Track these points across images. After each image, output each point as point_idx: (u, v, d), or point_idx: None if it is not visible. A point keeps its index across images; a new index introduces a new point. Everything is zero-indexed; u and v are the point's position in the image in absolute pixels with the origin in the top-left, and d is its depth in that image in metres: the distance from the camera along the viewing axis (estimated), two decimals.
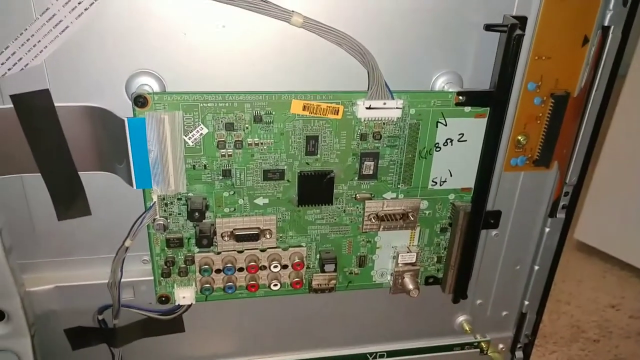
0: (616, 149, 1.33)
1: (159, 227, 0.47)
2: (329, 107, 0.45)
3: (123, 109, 0.43)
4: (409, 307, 0.60)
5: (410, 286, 0.53)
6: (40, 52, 0.41)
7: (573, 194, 0.55)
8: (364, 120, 0.46)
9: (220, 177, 0.46)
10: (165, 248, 0.48)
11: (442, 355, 0.63)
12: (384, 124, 0.46)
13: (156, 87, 0.43)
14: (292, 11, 0.41)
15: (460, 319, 0.62)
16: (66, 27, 0.40)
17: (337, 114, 0.45)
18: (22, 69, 0.41)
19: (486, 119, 0.48)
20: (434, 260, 0.55)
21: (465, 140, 0.49)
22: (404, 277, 0.54)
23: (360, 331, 0.61)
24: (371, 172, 0.48)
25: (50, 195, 0.47)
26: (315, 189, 0.48)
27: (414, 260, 0.53)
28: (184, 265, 0.50)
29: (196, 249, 0.49)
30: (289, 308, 0.58)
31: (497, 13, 0.45)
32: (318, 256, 0.52)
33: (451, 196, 0.51)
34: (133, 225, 0.47)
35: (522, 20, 0.44)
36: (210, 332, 0.58)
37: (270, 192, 0.48)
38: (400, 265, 0.53)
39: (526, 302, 0.62)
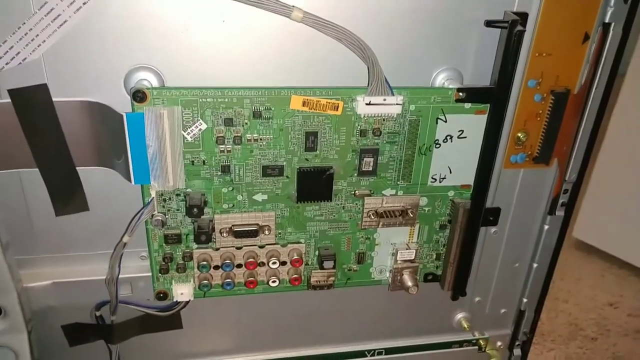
0: (615, 147, 1.34)
1: (157, 223, 0.46)
2: (329, 103, 0.45)
3: (121, 104, 0.43)
4: (407, 304, 0.60)
5: (409, 283, 0.53)
6: (39, 46, 0.40)
7: (572, 192, 0.55)
8: (364, 117, 0.46)
9: (219, 173, 0.46)
10: (164, 244, 0.48)
11: (440, 352, 0.63)
12: (383, 120, 0.46)
13: (155, 82, 0.43)
14: (292, 6, 0.41)
15: (459, 316, 0.62)
16: (64, 21, 0.40)
17: (337, 110, 0.45)
18: (20, 63, 0.41)
19: (486, 115, 0.47)
20: (433, 257, 0.55)
21: (465, 137, 0.48)
22: (402, 274, 0.54)
23: (359, 328, 0.61)
24: (371, 169, 0.48)
25: (48, 190, 0.46)
26: (315, 185, 0.48)
27: (413, 257, 0.53)
28: (182, 262, 0.49)
29: (194, 245, 0.49)
30: (287, 305, 0.57)
31: (498, 9, 0.45)
32: (317, 253, 0.52)
33: (451, 193, 0.51)
34: (131, 221, 0.47)
35: (523, 17, 0.44)
36: (209, 329, 0.58)
37: (269, 188, 0.48)
38: (399, 262, 0.53)
39: (525, 300, 0.62)
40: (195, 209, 0.46)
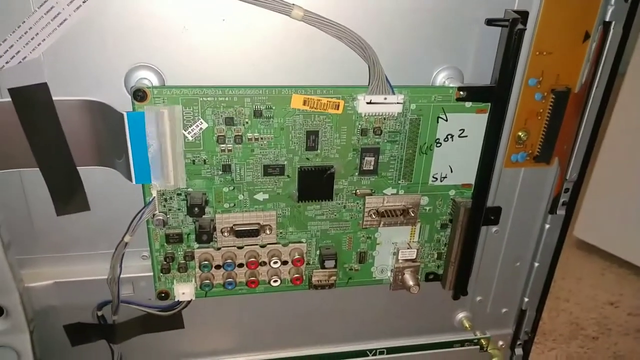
0: (615, 147, 1.34)
1: (158, 222, 0.46)
2: (330, 101, 0.45)
3: (122, 103, 0.43)
4: (409, 304, 0.60)
5: (411, 282, 0.53)
6: (39, 45, 0.40)
7: (573, 191, 0.55)
8: (365, 115, 0.46)
9: (220, 172, 0.46)
10: (165, 244, 0.48)
11: (441, 352, 0.63)
12: (384, 119, 0.46)
13: (155, 81, 0.43)
14: (293, 4, 0.41)
15: (460, 315, 0.62)
16: (64, 20, 0.40)
17: (338, 109, 0.45)
18: (20, 62, 0.41)
19: (487, 114, 0.47)
20: (434, 256, 0.55)
21: (466, 136, 0.48)
22: (404, 274, 0.54)
23: (360, 327, 0.61)
24: (371, 168, 0.48)
25: (49, 190, 0.46)
26: (316, 184, 0.48)
27: (414, 257, 0.53)
28: (183, 261, 0.49)
29: (196, 245, 0.49)
30: (289, 304, 0.57)
31: (499, 8, 0.45)
32: (318, 252, 0.52)
33: (451, 192, 0.51)
34: (132, 221, 0.47)
35: (523, 15, 0.44)
36: (210, 329, 0.58)
37: (270, 188, 0.48)
38: (400, 261, 0.53)
39: (526, 299, 0.62)
40: (196, 209, 0.46)
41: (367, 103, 0.44)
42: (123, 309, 0.51)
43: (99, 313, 0.52)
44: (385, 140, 0.47)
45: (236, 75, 0.44)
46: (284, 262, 0.51)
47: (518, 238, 0.58)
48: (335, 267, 0.52)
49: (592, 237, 1.44)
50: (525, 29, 0.43)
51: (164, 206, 0.47)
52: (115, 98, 0.43)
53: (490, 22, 0.45)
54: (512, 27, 0.43)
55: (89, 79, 0.43)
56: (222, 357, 0.60)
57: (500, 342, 0.65)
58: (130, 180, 0.44)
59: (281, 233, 0.50)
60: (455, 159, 0.50)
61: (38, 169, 0.45)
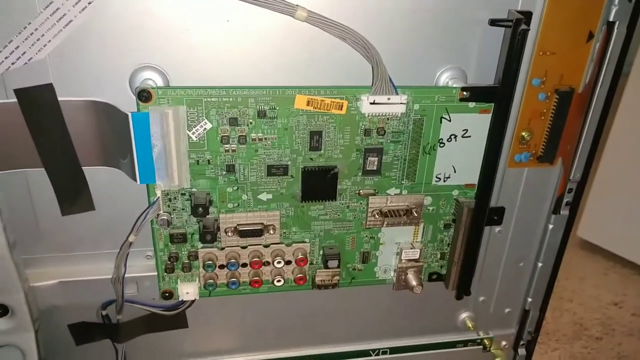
0: (619, 147, 1.33)
1: (162, 222, 0.47)
2: (333, 102, 0.45)
3: (127, 103, 0.43)
4: (412, 304, 0.60)
5: (414, 282, 0.53)
6: (44, 46, 0.41)
7: (577, 191, 0.55)
8: (368, 116, 0.46)
9: (224, 173, 0.46)
10: (169, 243, 0.48)
11: (445, 352, 0.63)
12: (388, 119, 0.46)
13: (160, 82, 0.43)
14: (297, 5, 0.41)
15: (463, 315, 0.62)
16: (70, 21, 0.40)
17: (341, 109, 0.45)
18: (26, 63, 0.41)
19: (490, 114, 0.47)
20: (437, 256, 0.55)
21: (470, 136, 0.48)
22: (407, 274, 0.54)
23: (364, 327, 0.61)
24: (375, 168, 0.48)
25: (54, 190, 0.47)
26: (319, 184, 0.48)
27: (417, 257, 0.53)
28: (187, 261, 0.49)
29: (200, 245, 0.49)
30: (292, 304, 0.58)
31: (502, 8, 0.45)
32: (321, 252, 0.52)
33: (455, 192, 0.51)
34: (137, 221, 0.47)
35: (527, 15, 0.44)
36: (214, 328, 0.58)
37: (273, 188, 0.48)
38: (403, 261, 0.53)
39: (529, 299, 0.61)
40: (200, 209, 0.46)
41: (371, 103, 0.44)
42: (127, 309, 0.52)
43: (104, 312, 0.53)
44: (389, 141, 0.47)
45: (240, 76, 0.45)
46: (288, 262, 0.51)
47: (521, 238, 0.58)
48: (338, 267, 0.52)
49: (595, 237, 1.44)
50: (529, 30, 0.43)
51: (168, 206, 0.47)
52: (120, 99, 0.43)
53: (493, 22, 0.45)
54: (516, 28, 0.43)
55: (94, 80, 0.43)
56: (225, 356, 0.60)
57: (504, 342, 0.65)
58: (135, 180, 0.45)
59: (285, 233, 0.50)
60: (458, 159, 0.50)
61: (43, 169, 0.45)
